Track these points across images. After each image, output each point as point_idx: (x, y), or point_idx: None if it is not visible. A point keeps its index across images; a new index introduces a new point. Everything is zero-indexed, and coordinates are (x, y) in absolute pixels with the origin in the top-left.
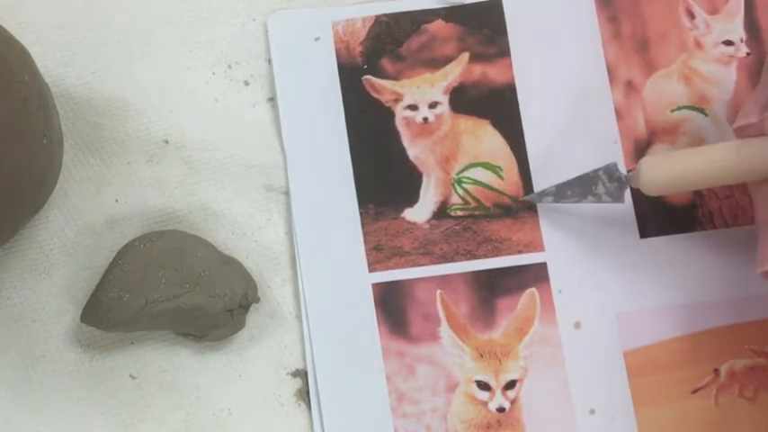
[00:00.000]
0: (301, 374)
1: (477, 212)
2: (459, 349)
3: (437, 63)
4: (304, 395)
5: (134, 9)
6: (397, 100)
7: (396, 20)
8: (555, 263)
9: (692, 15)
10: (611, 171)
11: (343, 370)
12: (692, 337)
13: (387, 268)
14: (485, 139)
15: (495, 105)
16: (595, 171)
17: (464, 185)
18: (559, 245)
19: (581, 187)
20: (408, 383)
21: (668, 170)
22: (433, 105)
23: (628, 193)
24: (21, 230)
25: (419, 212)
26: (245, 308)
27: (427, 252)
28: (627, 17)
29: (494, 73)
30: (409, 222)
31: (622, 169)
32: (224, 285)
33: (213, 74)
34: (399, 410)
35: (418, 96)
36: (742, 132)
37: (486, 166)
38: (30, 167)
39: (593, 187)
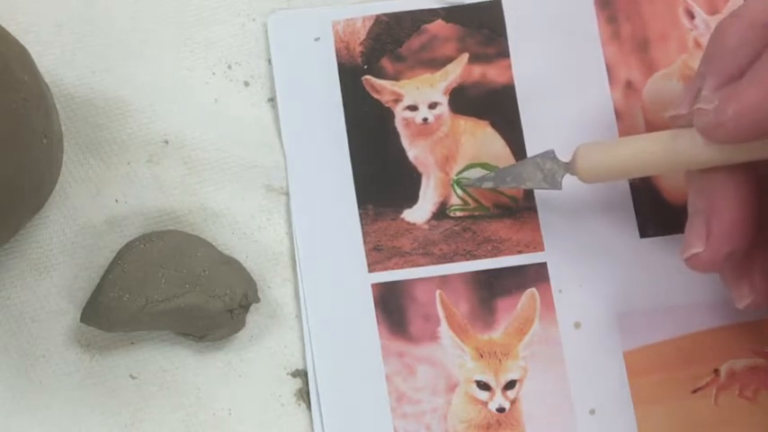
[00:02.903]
0: (301, 374)
1: (476, 213)
2: (459, 349)
3: (437, 63)
4: (304, 395)
5: (134, 9)
6: (397, 100)
7: (396, 20)
8: (555, 263)
9: (691, 16)
10: (549, 158)
11: (344, 370)
12: (692, 337)
13: (386, 268)
14: (484, 140)
15: (495, 106)
16: (534, 158)
17: (463, 186)
18: (559, 245)
19: (520, 173)
20: (408, 383)
21: (603, 158)
22: (432, 106)
23: (598, 196)
24: (21, 230)
25: (419, 213)
26: (245, 308)
27: (427, 252)
28: (626, 17)
29: (493, 74)
30: (409, 223)
31: (560, 157)
32: (224, 285)
33: (213, 74)
34: (399, 410)
35: (418, 97)
36: (675, 122)
37: (485, 166)
38: (30, 167)
39: (532, 173)
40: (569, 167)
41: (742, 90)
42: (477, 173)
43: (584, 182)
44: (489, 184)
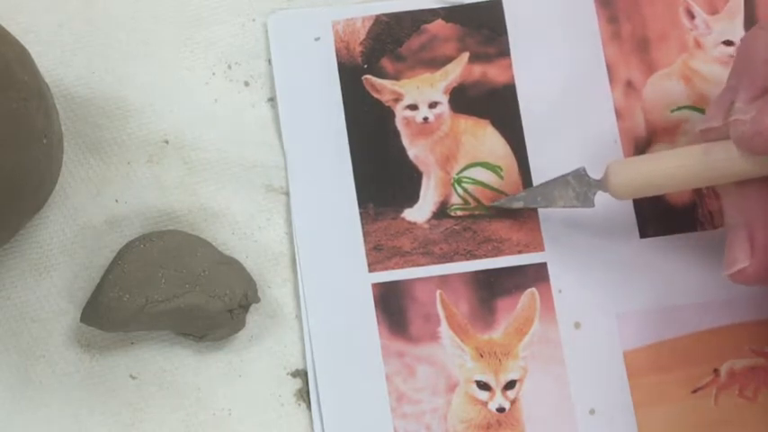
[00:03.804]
0: (301, 374)
1: (476, 212)
2: (459, 349)
3: (437, 63)
4: (304, 395)
5: (134, 9)
6: (397, 100)
7: (396, 19)
8: (555, 263)
9: (691, 15)
10: (580, 176)
11: (343, 370)
12: (692, 337)
13: (386, 268)
14: (485, 139)
15: (495, 105)
16: (565, 176)
17: (464, 185)
18: (559, 245)
19: (551, 192)
20: (408, 383)
21: (636, 174)
22: (433, 105)
23: (599, 197)
24: (21, 230)
25: (419, 212)
26: (245, 308)
27: (427, 252)
28: (627, 17)
29: (494, 73)
30: (409, 222)
31: (591, 174)
32: (224, 285)
33: (213, 74)
34: (399, 410)
35: (418, 96)
36: (707, 135)
37: (485, 165)
38: (30, 167)
39: (563, 192)
40: (601, 185)
41: None
42: (477, 172)
43: (617, 198)
44: (520, 204)
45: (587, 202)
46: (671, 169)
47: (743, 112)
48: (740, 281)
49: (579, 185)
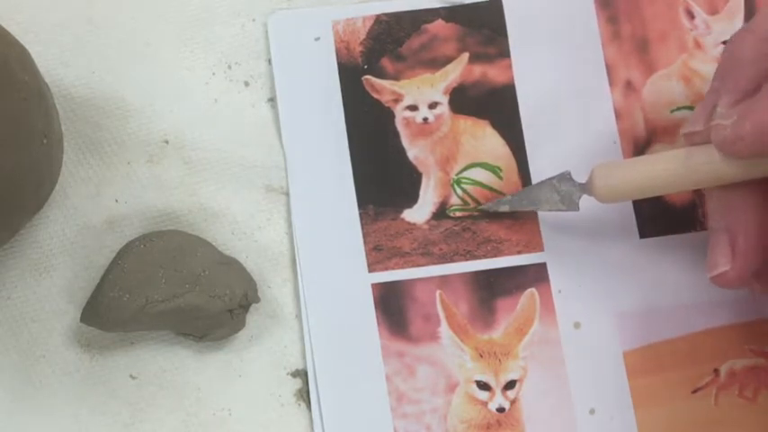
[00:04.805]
0: (301, 374)
1: (476, 213)
2: (459, 349)
3: (437, 63)
4: (304, 395)
5: (134, 9)
6: (397, 100)
7: (396, 19)
8: (555, 263)
9: (691, 16)
10: (565, 180)
11: (343, 370)
12: (692, 337)
13: (386, 268)
14: (484, 140)
15: (495, 106)
16: (550, 180)
17: (463, 186)
18: (559, 245)
19: (537, 196)
20: (408, 383)
21: (621, 179)
22: (432, 105)
23: (585, 200)
24: (21, 230)
25: (418, 213)
26: (245, 308)
27: (427, 252)
28: (627, 18)
29: (494, 73)
30: (409, 223)
31: (576, 178)
32: (224, 285)
33: (213, 74)
34: (399, 410)
35: (418, 96)
36: (690, 139)
37: (485, 166)
38: (30, 167)
39: (548, 195)
40: (586, 188)
41: (759, 103)
42: (476, 173)
43: (602, 202)
44: (505, 208)
45: (572, 205)
46: (655, 173)
47: (724, 117)
48: (721, 284)
49: (564, 189)
